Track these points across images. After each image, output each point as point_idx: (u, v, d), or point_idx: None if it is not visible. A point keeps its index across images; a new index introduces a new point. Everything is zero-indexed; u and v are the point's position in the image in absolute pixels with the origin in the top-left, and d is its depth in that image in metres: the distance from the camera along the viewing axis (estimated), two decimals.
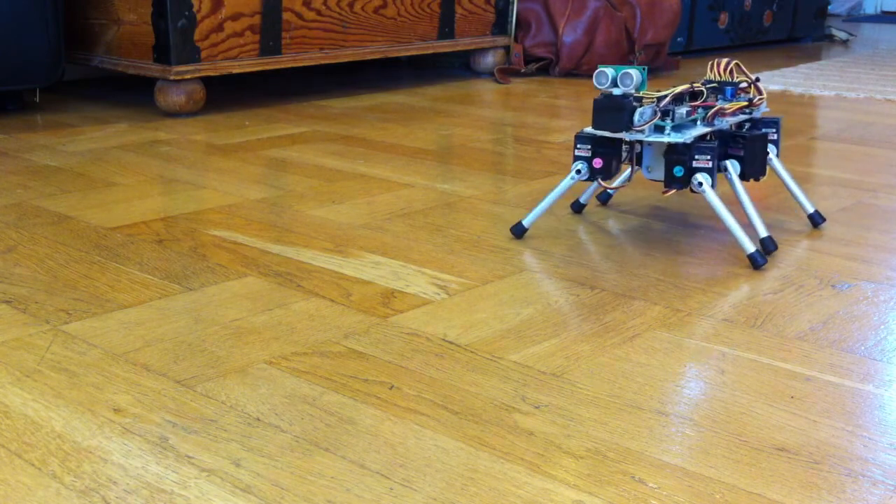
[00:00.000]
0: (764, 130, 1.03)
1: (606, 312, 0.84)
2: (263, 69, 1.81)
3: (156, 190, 1.23)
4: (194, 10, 1.68)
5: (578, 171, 1.00)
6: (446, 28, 2.13)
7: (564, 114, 1.82)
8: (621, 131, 0.94)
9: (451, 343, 0.78)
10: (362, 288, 0.89)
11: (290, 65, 1.85)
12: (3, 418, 0.65)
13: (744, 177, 1.01)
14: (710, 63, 1.05)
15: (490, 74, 2.26)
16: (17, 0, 1.61)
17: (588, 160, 0.99)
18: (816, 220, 1.09)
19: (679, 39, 2.70)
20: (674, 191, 0.97)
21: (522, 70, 2.28)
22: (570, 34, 2.28)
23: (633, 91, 0.95)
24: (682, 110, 0.97)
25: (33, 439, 0.62)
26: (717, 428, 0.65)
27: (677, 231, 1.08)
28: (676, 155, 0.97)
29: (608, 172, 1.00)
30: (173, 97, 1.70)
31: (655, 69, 2.38)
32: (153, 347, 0.76)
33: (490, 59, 2.26)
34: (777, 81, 2.24)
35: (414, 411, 0.67)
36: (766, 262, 0.94)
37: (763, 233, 0.99)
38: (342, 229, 1.07)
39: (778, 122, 1.10)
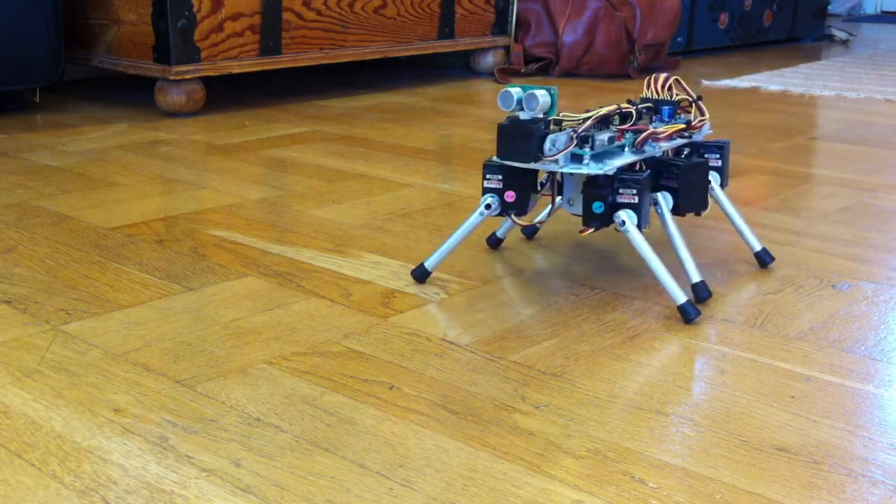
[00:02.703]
0: (700, 158, 0.90)
1: (606, 312, 0.84)
2: (263, 69, 1.81)
3: (156, 190, 1.23)
4: (194, 10, 1.68)
5: (488, 206, 0.87)
6: (446, 28, 2.13)
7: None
8: (530, 161, 0.81)
9: (451, 343, 0.78)
10: (362, 288, 0.89)
11: (290, 65, 1.85)
12: (3, 418, 0.65)
13: (677, 211, 0.88)
14: (647, 79, 0.94)
15: (490, 74, 2.26)
16: (17, 0, 1.61)
17: (500, 193, 0.87)
18: (764, 259, 0.96)
19: (679, 39, 2.70)
20: (592, 230, 0.84)
21: (522, 70, 2.28)
22: (570, 34, 2.28)
23: (541, 115, 0.82)
24: (604, 136, 0.84)
25: (33, 439, 0.62)
26: (717, 428, 0.65)
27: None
28: (595, 188, 0.83)
29: (523, 207, 0.87)
30: (173, 97, 1.70)
31: (655, 69, 2.38)
32: (153, 347, 0.76)
33: (490, 59, 2.26)
34: (777, 81, 2.24)
35: (414, 411, 0.67)
36: (699, 314, 0.82)
37: (695, 278, 0.86)
38: (342, 229, 1.07)
39: (725, 147, 0.96)
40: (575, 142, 0.82)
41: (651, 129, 0.87)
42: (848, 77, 2.33)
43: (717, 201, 0.94)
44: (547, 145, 0.81)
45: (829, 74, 2.38)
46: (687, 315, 0.81)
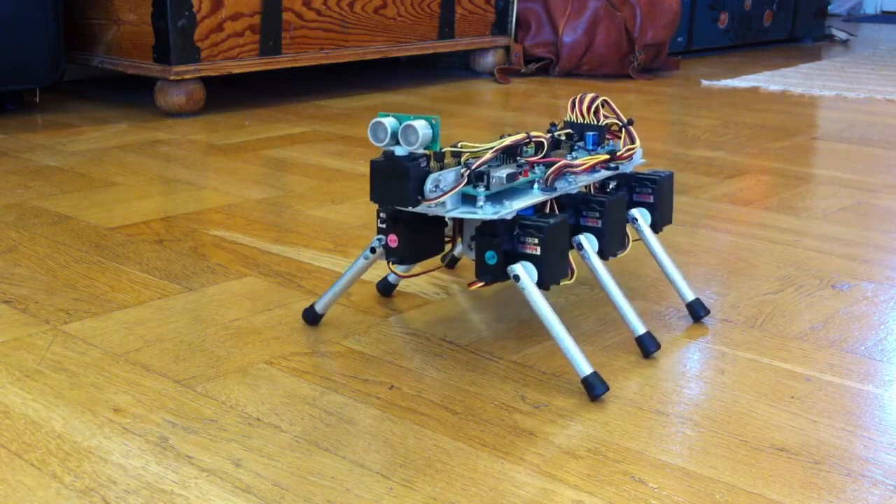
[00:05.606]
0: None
1: (606, 312, 0.84)
2: (263, 69, 1.81)
3: (156, 190, 1.23)
4: (194, 10, 1.68)
5: (373, 250, 0.76)
6: (446, 28, 2.13)
7: (564, 114, 1.81)
8: (408, 205, 0.68)
9: (451, 343, 0.78)
10: (362, 288, 0.89)
11: (290, 65, 1.85)
12: (3, 418, 0.65)
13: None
14: (571, 100, 0.82)
15: (490, 74, 2.26)
16: (17, 0, 1.61)
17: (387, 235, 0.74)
18: (697, 311, 0.82)
19: (679, 39, 2.70)
20: (482, 284, 0.71)
21: (522, 70, 2.28)
22: (570, 34, 2.28)
23: (420, 150, 0.68)
24: (502, 173, 0.70)
25: (33, 439, 0.62)
26: (717, 428, 0.65)
27: (678, 231, 1.08)
28: (486, 236, 0.70)
29: (411, 255, 0.74)
30: (173, 97, 1.70)
31: (655, 69, 2.38)
32: (153, 347, 0.76)
33: (490, 59, 2.26)
34: (777, 81, 2.24)
35: (414, 411, 0.67)
36: (605, 390, 0.68)
37: (640, 330, 0.73)
38: (342, 229, 1.07)
39: (657, 182, 0.81)
40: (465, 180, 0.69)
41: (564, 162, 0.74)
42: (848, 77, 2.33)
43: (645, 244, 0.82)
44: (428, 186, 0.68)
45: (829, 74, 2.38)
46: (593, 390, 0.68)
